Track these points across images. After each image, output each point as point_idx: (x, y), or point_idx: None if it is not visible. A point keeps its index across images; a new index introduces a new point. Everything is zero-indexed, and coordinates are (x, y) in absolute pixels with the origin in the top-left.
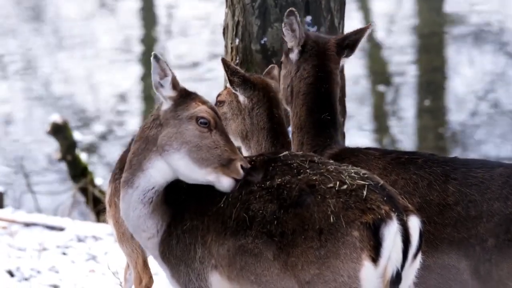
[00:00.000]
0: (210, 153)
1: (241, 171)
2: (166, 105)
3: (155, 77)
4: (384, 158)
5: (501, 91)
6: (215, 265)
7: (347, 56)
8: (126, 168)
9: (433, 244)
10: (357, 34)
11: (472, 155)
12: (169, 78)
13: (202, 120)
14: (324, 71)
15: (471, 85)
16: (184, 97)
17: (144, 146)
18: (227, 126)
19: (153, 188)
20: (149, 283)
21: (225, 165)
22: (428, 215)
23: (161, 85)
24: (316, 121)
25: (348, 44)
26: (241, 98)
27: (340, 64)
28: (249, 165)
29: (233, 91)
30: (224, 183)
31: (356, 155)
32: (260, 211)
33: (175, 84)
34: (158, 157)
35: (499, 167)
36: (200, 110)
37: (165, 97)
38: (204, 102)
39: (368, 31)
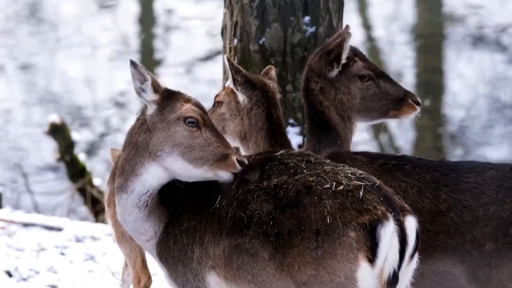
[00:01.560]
0: (203, 152)
1: (238, 165)
2: (151, 110)
3: (135, 83)
4: (372, 164)
5: (500, 91)
6: (212, 265)
7: (337, 67)
8: (119, 173)
9: (426, 252)
10: (340, 47)
11: (470, 154)
12: (149, 82)
13: (189, 120)
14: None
15: (469, 85)
16: (168, 98)
17: (134, 151)
18: (225, 126)
19: (147, 191)
20: (147, 283)
21: (221, 160)
22: (420, 223)
23: (143, 90)
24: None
25: (334, 57)
26: (241, 97)
27: (330, 73)
28: (244, 159)
29: (235, 90)
30: (223, 176)
31: (343, 161)
32: (257, 211)
33: (156, 87)
34: (151, 162)
35: (490, 170)
36: (186, 110)
37: (148, 101)
38: (188, 100)
39: (348, 41)
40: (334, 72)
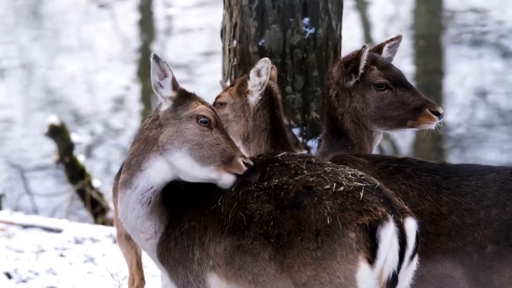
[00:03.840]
0: (212, 151)
1: (243, 166)
2: (165, 106)
3: (154, 78)
4: (373, 167)
5: (500, 92)
6: (213, 266)
7: (355, 77)
8: (125, 169)
9: (425, 254)
10: (357, 59)
11: (469, 156)
12: (169, 79)
13: (202, 119)
14: None
15: (469, 87)
16: (184, 97)
17: (143, 147)
18: (229, 128)
19: (151, 188)
20: (140, 285)
21: (227, 162)
22: (420, 225)
23: (161, 86)
24: None
25: (351, 69)
26: (254, 99)
27: (348, 83)
28: (250, 161)
29: (257, 91)
30: (226, 179)
31: (345, 163)
32: (257, 211)
33: (175, 85)
34: (157, 156)
35: (491, 173)
36: (200, 109)
37: (164, 97)
38: (203, 102)
39: (365, 53)
40: (352, 82)
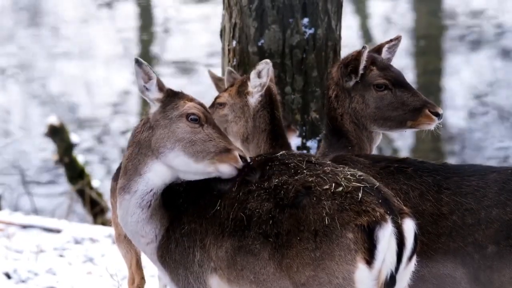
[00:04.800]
0: (205, 146)
1: (239, 159)
2: (154, 108)
3: (139, 82)
4: (374, 167)
5: (499, 93)
6: (214, 268)
7: (355, 78)
8: (122, 174)
9: (427, 254)
10: (357, 60)
11: (469, 157)
12: (154, 81)
13: (192, 117)
14: None
15: (468, 87)
16: (171, 97)
17: (137, 150)
18: (228, 128)
19: (151, 190)
20: (140, 284)
21: (223, 153)
22: (421, 225)
23: (147, 89)
24: None
25: (351, 69)
26: (254, 100)
27: (348, 83)
28: (246, 155)
29: (258, 93)
30: (224, 170)
31: (345, 163)
32: (257, 210)
33: (160, 86)
34: (154, 160)
35: (492, 173)
36: (188, 107)
37: (152, 99)
38: (191, 100)
39: (365, 54)
40: (352, 82)
